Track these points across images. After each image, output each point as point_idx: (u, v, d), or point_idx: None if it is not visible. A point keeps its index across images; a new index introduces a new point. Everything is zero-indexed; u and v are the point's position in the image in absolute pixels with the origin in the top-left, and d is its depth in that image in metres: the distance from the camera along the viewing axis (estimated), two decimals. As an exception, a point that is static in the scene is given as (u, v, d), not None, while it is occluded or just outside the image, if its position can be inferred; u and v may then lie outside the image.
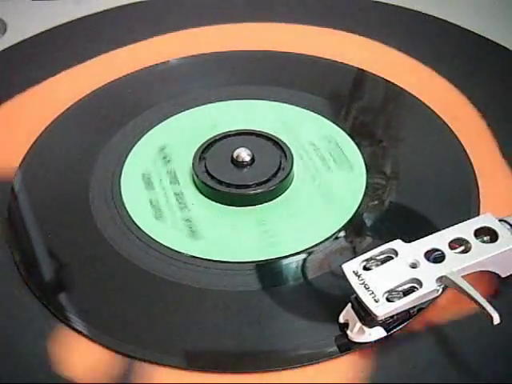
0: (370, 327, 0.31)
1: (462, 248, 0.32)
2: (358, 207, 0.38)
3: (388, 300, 0.30)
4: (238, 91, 0.46)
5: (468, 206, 0.38)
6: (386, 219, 0.38)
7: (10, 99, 0.47)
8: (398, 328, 0.31)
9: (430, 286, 0.30)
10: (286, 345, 0.32)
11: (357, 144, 0.42)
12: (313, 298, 0.34)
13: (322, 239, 0.36)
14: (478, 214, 0.36)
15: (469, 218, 0.33)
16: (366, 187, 0.39)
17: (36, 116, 0.45)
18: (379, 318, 0.30)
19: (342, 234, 0.37)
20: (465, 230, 0.32)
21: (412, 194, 0.39)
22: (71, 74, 0.49)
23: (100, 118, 0.45)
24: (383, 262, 0.31)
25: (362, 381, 0.31)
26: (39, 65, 0.50)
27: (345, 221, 0.37)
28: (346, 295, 0.31)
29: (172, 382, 0.31)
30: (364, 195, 0.39)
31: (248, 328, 0.33)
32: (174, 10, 0.55)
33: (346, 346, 0.31)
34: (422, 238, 0.32)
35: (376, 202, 0.38)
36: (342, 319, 0.32)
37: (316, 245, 0.36)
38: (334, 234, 0.37)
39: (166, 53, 0.50)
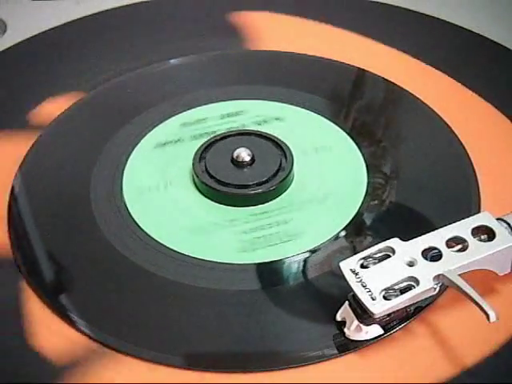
0: (367, 325, 0.31)
1: (460, 246, 0.32)
2: (360, 207, 0.38)
3: (385, 298, 0.30)
4: (238, 91, 0.46)
5: (468, 206, 0.38)
6: (387, 219, 0.38)
7: (10, 99, 0.47)
8: (395, 326, 0.31)
9: (427, 285, 0.30)
10: (285, 345, 0.32)
11: (357, 144, 0.42)
12: (313, 298, 0.34)
13: (323, 240, 0.36)
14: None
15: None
16: (367, 187, 0.39)
17: (36, 115, 0.45)
18: (376, 316, 0.30)
19: (344, 234, 0.37)
20: (462, 228, 0.32)
21: (413, 194, 0.39)
22: (71, 74, 0.49)
23: (100, 117, 0.45)
24: (380, 260, 0.31)
25: (361, 381, 0.31)
26: (39, 65, 0.50)
27: (346, 221, 0.37)
28: (346, 295, 0.31)
29: (172, 382, 0.31)
30: (365, 195, 0.39)
31: (247, 328, 0.33)
32: (174, 11, 0.55)
33: (345, 345, 0.31)
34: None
35: (377, 202, 0.38)
36: (339, 317, 0.32)
37: (317, 245, 0.36)
38: (335, 235, 0.37)
39: (166, 53, 0.50)
